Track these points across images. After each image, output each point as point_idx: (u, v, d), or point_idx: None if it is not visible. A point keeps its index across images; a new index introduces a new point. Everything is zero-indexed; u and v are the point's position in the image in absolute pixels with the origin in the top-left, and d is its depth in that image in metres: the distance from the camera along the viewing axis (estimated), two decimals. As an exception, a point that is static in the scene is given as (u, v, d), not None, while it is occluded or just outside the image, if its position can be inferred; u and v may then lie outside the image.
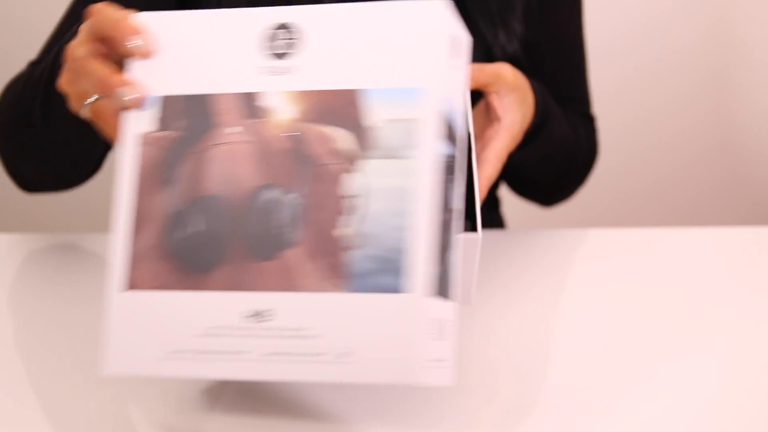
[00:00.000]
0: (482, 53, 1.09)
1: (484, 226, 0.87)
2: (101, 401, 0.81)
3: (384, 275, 0.63)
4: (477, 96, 0.96)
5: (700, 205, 2.12)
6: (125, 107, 0.69)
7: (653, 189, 2.11)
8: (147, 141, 0.69)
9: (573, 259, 1.02)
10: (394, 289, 0.63)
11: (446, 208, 0.68)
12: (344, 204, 0.66)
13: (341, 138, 0.67)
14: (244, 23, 0.70)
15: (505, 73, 0.92)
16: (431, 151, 0.65)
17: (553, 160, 1.08)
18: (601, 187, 1.29)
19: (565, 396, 0.83)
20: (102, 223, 1.23)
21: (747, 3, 1.97)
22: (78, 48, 0.74)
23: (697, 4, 1.97)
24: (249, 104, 0.69)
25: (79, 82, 0.74)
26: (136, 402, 0.81)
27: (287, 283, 0.65)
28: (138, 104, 0.69)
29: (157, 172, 0.68)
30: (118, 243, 0.68)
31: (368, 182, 0.66)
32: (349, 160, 0.66)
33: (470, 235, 0.76)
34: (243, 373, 0.66)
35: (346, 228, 0.65)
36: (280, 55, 0.69)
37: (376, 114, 0.66)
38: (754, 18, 1.97)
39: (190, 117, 0.69)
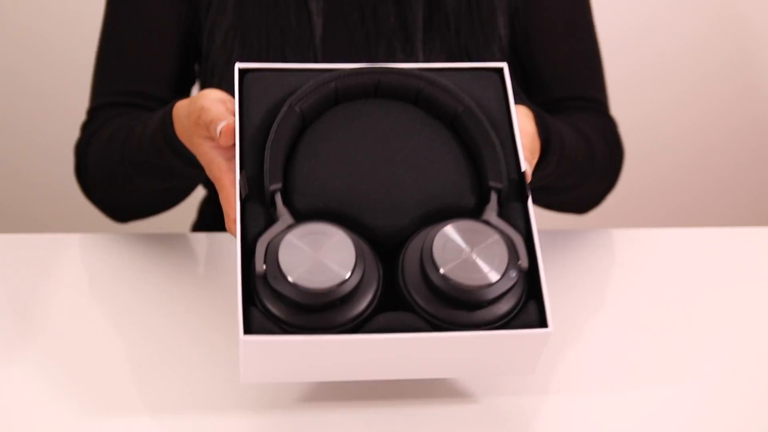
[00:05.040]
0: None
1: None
2: (103, 406, 0.80)
3: None
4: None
5: (701, 205, 2.12)
6: None
7: (653, 189, 2.11)
8: None
9: (574, 259, 1.02)
10: None
11: None
12: None
13: None
14: None
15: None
16: None
17: (559, 183, 1.03)
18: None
19: (569, 392, 0.83)
20: (102, 224, 1.23)
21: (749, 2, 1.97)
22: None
23: (697, 4, 1.97)
24: None
25: None
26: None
27: None
28: None
29: None
30: None
31: None
32: None
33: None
34: None
35: None
36: None
37: None
38: (755, 17, 1.97)
39: None
